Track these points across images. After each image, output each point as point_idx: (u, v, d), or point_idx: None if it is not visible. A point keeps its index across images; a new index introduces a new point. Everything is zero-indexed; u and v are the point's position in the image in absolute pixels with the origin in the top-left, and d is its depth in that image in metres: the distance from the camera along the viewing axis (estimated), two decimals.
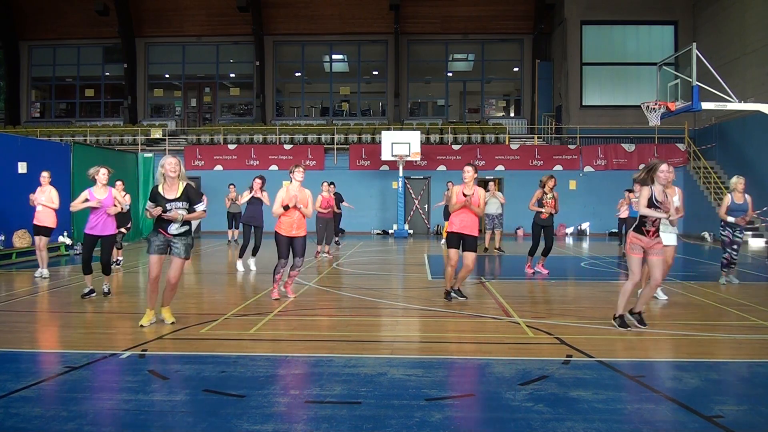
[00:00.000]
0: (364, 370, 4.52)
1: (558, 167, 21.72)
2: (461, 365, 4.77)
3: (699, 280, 9.14)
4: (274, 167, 21.99)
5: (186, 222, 5.93)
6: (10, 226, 11.97)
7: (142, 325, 5.90)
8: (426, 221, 22.30)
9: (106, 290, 7.75)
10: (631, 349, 5.29)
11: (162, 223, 5.87)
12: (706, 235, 18.88)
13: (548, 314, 6.69)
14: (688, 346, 5.37)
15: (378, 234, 21.59)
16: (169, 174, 5.83)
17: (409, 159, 20.28)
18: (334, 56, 28.39)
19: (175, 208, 5.82)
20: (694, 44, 13.53)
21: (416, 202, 22.28)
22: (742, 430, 3.45)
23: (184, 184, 5.92)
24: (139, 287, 8.83)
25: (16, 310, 7.05)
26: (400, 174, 20.77)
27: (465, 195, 7.26)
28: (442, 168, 21.95)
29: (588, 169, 21.76)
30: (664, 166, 5.82)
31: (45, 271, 9.47)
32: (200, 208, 5.96)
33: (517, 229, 20.68)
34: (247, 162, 22.23)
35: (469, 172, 7.33)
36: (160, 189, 5.88)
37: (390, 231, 21.40)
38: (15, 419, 3.53)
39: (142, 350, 5.06)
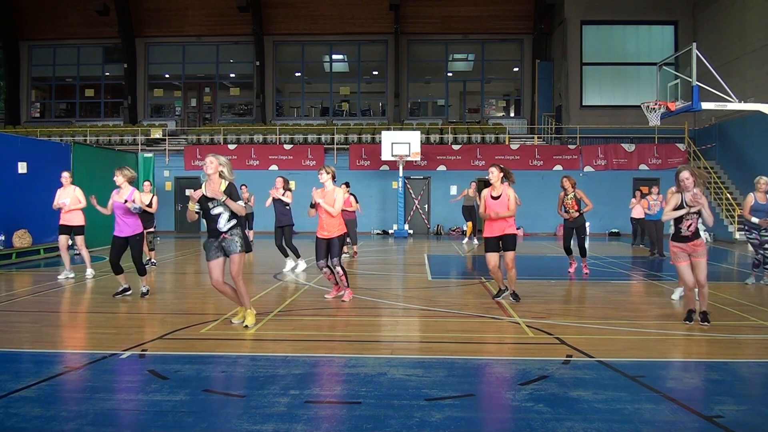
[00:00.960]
0: (364, 370, 4.52)
1: (558, 167, 21.72)
2: (461, 365, 4.77)
3: None
4: (274, 167, 21.99)
5: (233, 216, 5.79)
6: (10, 226, 11.98)
7: (246, 326, 5.86)
8: (426, 221, 22.30)
9: (144, 291, 7.77)
10: (631, 349, 5.29)
11: (211, 223, 5.77)
12: (706, 235, 18.88)
13: (548, 314, 6.69)
14: (688, 346, 5.37)
15: (378, 234, 21.59)
16: (207, 171, 5.74)
17: (409, 159, 20.28)
18: (334, 56, 28.38)
19: (216, 206, 5.74)
20: (694, 44, 13.53)
21: (416, 202, 22.27)
22: (742, 430, 3.45)
23: (227, 183, 5.81)
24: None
25: (16, 310, 7.05)
26: (400, 174, 20.76)
27: (493, 197, 7.23)
28: (442, 168, 21.95)
29: (588, 169, 21.75)
30: (684, 174, 5.88)
31: (91, 271, 9.51)
32: (240, 203, 5.81)
33: (518, 229, 20.66)
34: (247, 162, 22.22)
35: (494, 173, 7.24)
36: (203, 189, 5.75)
37: (390, 231, 21.40)
38: (15, 419, 3.53)
39: (142, 350, 5.06)
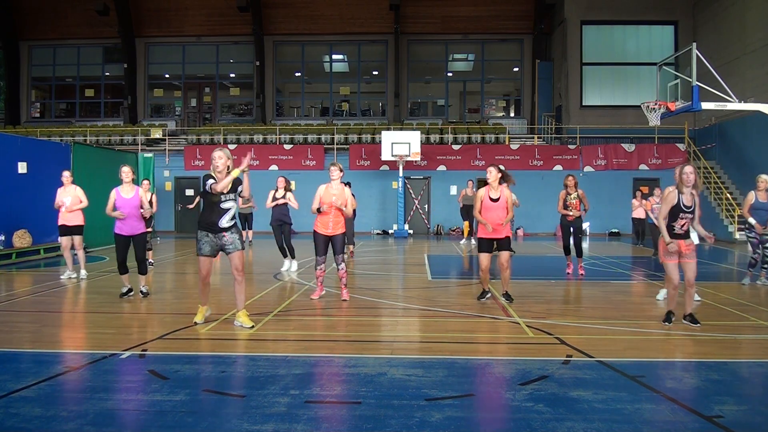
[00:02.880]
0: (364, 370, 4.52)
1: (558, 167, 21.71)
2: (461, 365, 4.77)
3: (699, 280, 9.10)
4: (274, 167, 21.98)
5: (235, 217, 5.87)
6: (10, 226, 11.98)
7: (195, 322, 5.97)
8: (426, 221, 22.30)
9: (143, 291, 7.74)
10: (631, 349, 5.29)
11: (213, 217, 5.74)
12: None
13: (548, 314, 6.69)
14: (688, 346, 5.37)
15: (378, 234, 21.58)
16: (217, 167, 5.71)
17: (409, 159, 20.28)
18: (334, 56, 28.38)
19: (229, 200, 5.75)
20: (694, 44, 13.53)
21: (416, 202, 22.27)
22: (742, 430, 3.45)
23: (232, 178, 5.76)
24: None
25: (16, 310, 7.05)
26: (400, 174, 20.76)
27: (492, 199, 7.17)
28: (442, 168, 21.95)
29: (588, 169, 21.75)
30: (688, 168, 5.85)
31: (84, 272, 9.42)
32: (245, 181, 5.83)
33: (518, 229, 20.68)
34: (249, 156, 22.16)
35: (492, 173, 7.16)
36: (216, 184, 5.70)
37: (390, 231, 21.40)
38: (15, 419, 3.53)
39: (142, 350, 5.06)
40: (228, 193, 5.76)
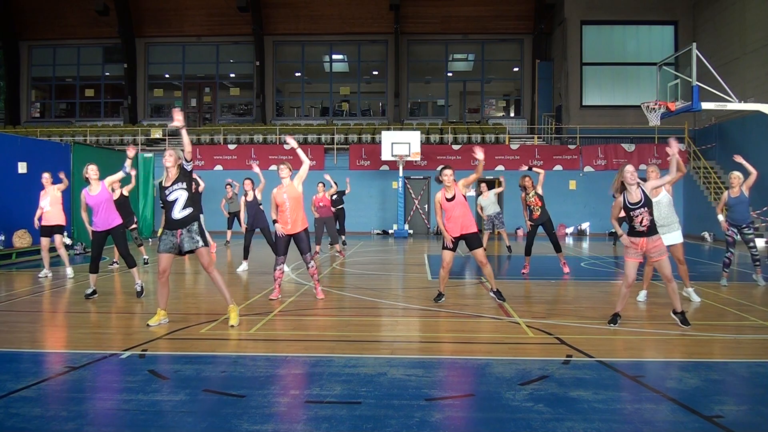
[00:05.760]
0: (364, 370, 4.51)
1: (558, 167, 21.70)
2: (461, 365, 4.77)
3: (699, 280, 9.11)
4: (274, 167, 21.95)
5: (189, 204, 5.85)
6: (10, 226, 11.98)
7: (148, 325, 5.90)
8: (426, 221, 22.30)
9: (138, 289, 7.71)
10: (631, 349, 5.29)
11: (168, 213, 5.85)
12: (706, 235, 18.88)
13: (548, 314, 6.69)
14: (688, 346, 5.36)
15: (378, 234, 21.58)
16: (165, 164, 5.88)
17: (409, 159, 20.29)
18: (334, 56, 28.39)
19: (174, 191, 5.82)
20: (694, 44, 13.53)
21: (416, 202, 22.28)
22: (742, 430, 3.45)
23: (178, 168, 5.89)
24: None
25: (16, 310, 7.05)
26: (400, 174, 20.77)
27: (448, 200, 7.16)
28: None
29: (588, 169, 21.75)
30: (628, 167, 5.89)
31: (70, 270, 9.57)
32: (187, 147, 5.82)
33: (517, 229, 20.68)
34: (247, 162, 22.20)
35: (447, 175, 7.07)
36: (163, 182, 5.93)
37: (390, 231, 21.40)
38: (15, 419, 3.53)
39: (142, 350, 5.06)
40: (173, 183, 5.83)
